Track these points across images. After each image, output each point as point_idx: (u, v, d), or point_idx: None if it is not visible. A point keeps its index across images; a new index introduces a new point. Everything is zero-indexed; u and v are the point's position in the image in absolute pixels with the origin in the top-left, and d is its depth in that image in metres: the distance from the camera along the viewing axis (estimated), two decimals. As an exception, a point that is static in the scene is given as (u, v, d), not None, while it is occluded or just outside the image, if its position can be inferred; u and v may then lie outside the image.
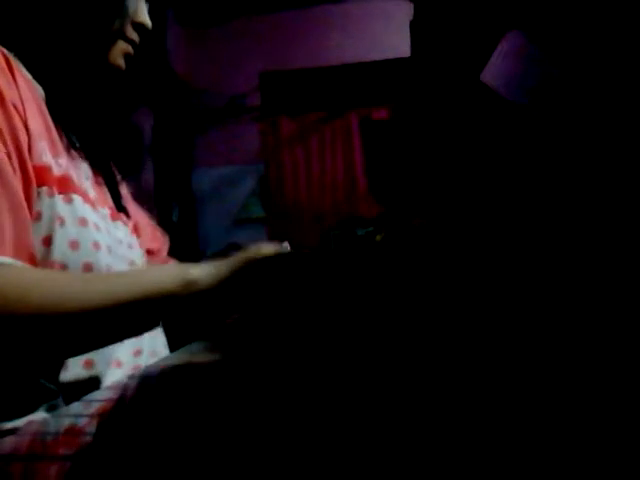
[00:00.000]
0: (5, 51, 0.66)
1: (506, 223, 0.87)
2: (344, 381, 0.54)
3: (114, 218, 0.81)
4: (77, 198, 0.68)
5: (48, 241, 0.63)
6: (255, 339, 0.82)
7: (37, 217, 0.63)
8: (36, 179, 0.63)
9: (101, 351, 0.66)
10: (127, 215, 0.88)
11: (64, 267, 0.64)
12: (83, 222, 0.67)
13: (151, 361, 0.77)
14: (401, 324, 0.76)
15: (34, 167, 0.63)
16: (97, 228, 0.70)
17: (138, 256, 0.85)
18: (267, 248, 0.81)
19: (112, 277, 0.62)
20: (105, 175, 0.84)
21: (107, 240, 0.72)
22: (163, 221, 4.42)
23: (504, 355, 0.58)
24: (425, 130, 1.12)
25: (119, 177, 0.87)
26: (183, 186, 4.15)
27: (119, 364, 0.70)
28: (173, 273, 0.61)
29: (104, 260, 0.69)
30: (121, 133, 0.86)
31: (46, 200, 0.64)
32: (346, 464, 0.33)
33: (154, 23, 0.79)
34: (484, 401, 0.44)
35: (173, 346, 0.86)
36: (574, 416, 0.39)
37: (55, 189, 0.65)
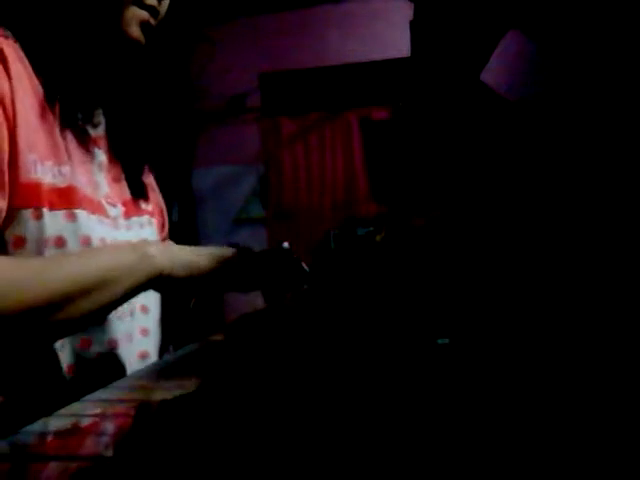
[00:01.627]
0: (3, 44, 0.61)
1: (506, 223, 0.87)
2: (343, 381, 0.54)
3: (128, 215, 0.76)
4: (81, 213, 0.64)
5: None
6: (255, 339, 0.82)
7: (20, 243, 0.59)
8: (21, 199, 0.59)
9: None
10: (146, 200, 0.82)
11: None
12: (86, 241, 0.64)
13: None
14: (401, 323, 0.76)
15: (21, 184, 0.59)
16: (102, 243, 0.67)
17: None
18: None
19: (69, 259, 0.59)
20: (124, 162, 0.78)
21: None
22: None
23: (504, 354, 0.58)
24: (425, 130, 1.12)
25: (142, 162, 0.82)
26: (183, 186, 4.15)
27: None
28: (132, 252, 0.61)
29: None
30: (147, 118, 0.79)
31: (31, 223, 0.60)
32: (345, 464, 0.33)
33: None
34: (484, 401, 0.44)
35: (173, 346, 0.86)
36: (574, 416, 0.39)
37: (46, 207, 0.61)
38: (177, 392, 0.55)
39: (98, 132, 0.75)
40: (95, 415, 0.50)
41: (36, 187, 0.61)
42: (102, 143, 0.75)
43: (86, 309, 0.58)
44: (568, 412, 0.40)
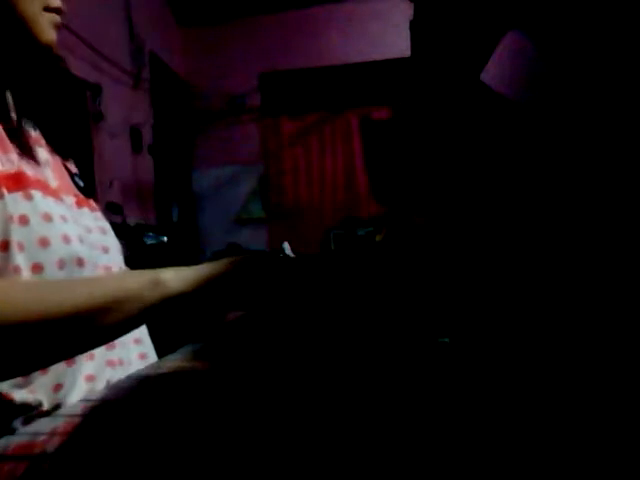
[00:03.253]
0: None
1: (505, 222, 0.87)
2: (342, 381, 0.54)
3: (80, 205, 0.77)
4: (36, 193, 0.66)
5: (5, 245, 0.61)
6: (252, 340, 0.82)
7: None
8: None
9: (69, 371, 0.64)
10: (95, 198, 0.84)
11: (39, 267, 0.62)
12: (48, 217, 0.65)
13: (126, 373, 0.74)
14: (401, 323, 0.76)
15: None
16: (64, 220, 0.68)
17: (112, 241, 0.81)
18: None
19: (73, 283, 0.60)
20: (63, 158, 0.80)
21: (76, 230, 0.70)
22: (163, 221, 4.41)
23: (503, 354, 0.58)
24: (425, 130, 1.12)
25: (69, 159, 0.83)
26: (183, 186, 4.15)
27: (91, 378, 0.67)
28: (141, 276, 0.59)
29: (77, 252, 0.67)
30: (62, 111, 0.81)
31: None
32: (345, 464, 0.33)
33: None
34: (484, 400, 0.44)
35: (168, 347, 0.85)
36: (574, 416, 0.39)
37: (4, 189, 0.63)
38: (176, 390, 0.55)
39: (37, 132, 0.77)
40: (92, 415, 0.50)
41: None
42: (42, 142, 0.77)
43: (88, 333, 0.57)
44: (568, 411, 0.40)
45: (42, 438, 0.43)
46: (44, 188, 0.68)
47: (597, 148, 0.78)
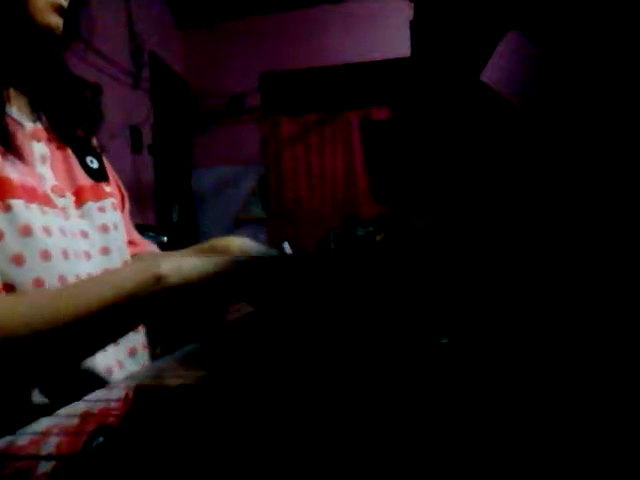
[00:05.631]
0: None
1: (505, 222, 0.87)
2: (342, 382, 0.54)
3: (80, 202, 0.72)
4: (17, 203, 0.60)
5: None
6: (252, 341, 0.82)
7: None
8: None
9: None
10: (107, 181, 0.78)
11: (10, 287, 0.58)
12: (26, 230, 0.60)
13: (133, 364, 0.75)
14: (400, 324, 0.76)
15: None
16: (47, 233, 0.62)
17: (115, 238, 0.76)
18: (241, 243, 0.79)
19: (70, 293, 0.56)
20: (73, 149, 0.74)
21: (62, 243, 0.64)
22: (163, 221, 4.40)
23: (503, 355, 0.58)
24: (425, 130, 1.12)
25: (92, 143, 0.79)
26: (183, 186, 4.15)
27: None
28: (140, 273, 0.56)
29: (57, 269, 0.62)
30: (68, 93, 0.76)
31: None
32: (345, 465, 0.33)
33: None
34: (483, 400, 0.44)
35: (168, 347, 0.85)
36: (574, 416, 0.39)
37: None
38: (176, 391, 0.55)
39: (37, 125, 0.71)
40: (92, 415, 0.50)
41: None
42: (43, 135, 0.71)
43: (94, 338, 0.56)
44: (568, 411, 0.40)
45: (45, 438, 0.43)
46: (29, 194, 0.63)
47: (597, 148, 0.78)
